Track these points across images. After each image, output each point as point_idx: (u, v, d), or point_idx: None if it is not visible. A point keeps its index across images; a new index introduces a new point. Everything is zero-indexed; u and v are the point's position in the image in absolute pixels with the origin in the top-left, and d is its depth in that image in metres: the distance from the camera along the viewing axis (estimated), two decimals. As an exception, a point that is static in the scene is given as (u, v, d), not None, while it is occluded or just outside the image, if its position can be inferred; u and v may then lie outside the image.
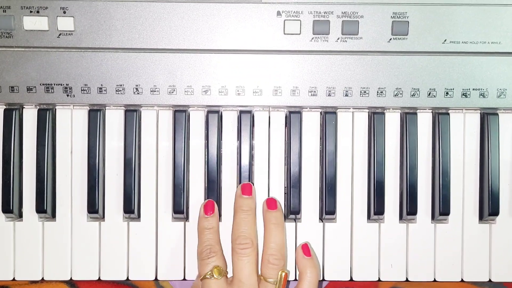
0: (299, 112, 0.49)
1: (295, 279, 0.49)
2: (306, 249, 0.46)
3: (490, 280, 0.50)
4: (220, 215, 0.49)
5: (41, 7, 0.46)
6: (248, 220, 0.46)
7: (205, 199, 0.49)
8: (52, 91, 0.47)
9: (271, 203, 0.47)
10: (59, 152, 0.49)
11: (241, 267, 0.44)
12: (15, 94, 0.47)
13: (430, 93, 0.48)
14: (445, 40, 0.47)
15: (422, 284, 0.52)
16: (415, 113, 0.49)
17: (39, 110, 0.48)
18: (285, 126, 0.49)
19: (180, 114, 0.48)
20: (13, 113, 0.48)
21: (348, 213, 0.49)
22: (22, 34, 0.46)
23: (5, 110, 0.48)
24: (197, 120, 0.49)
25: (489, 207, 0.49)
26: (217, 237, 0.46)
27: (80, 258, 0.49)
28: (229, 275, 0.46)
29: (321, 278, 0.49)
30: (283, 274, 0.44)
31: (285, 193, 0.49)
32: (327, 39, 0.47)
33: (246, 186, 0.47)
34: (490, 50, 0.48)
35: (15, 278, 0.49)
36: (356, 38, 0.47)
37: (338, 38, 0.47)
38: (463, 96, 0.48)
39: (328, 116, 0.49)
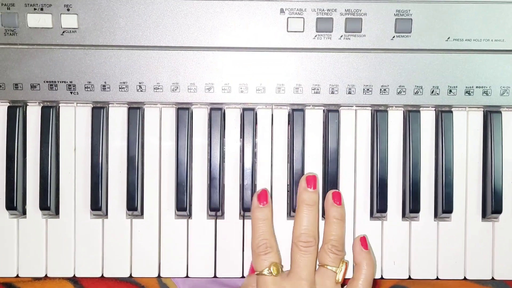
0: (302, 110, 0.49)
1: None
2: (364, 242, 0.46)
3: (493, 278, 0.50)
4: (222, 213, 0.49)
5: (45, 4, 0.46)
6: (312, 215, 0.45)
7: (207, 197, 0.49)
8: (56, 88, 0.47)
9: (336, 197, 0.46)
10: (63, 149, 0.49)
11: (304, 265, 0.44)
12: (19, 91, 0.47)
13: (433, 91, 0.48)
14: (448, 38, 0.47)
15: (424, 282, 0.52)
16: (418, 111, 0.49)
17: (42, 108, 0.48)
18: (288, 123, 0.49)
19: (183, 112, 0.48)
20: (17, 110, 0.48)
21: (351, 210, 0.49)
22: (26, 31, 0.47)
23: (9, 107, 0.48)
24: (200, 118, 0.49)
25: (492, 205, 0.49)
26: (272, 229, 0.46)
27: (84, 255, 0.49)
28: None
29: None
30: (345, 263, 0.44)
31: (287, 191, 0.49)
32: (330, 37, 0.47)
33: (311, 178, 0.46)
34: (494, 47, 0.47)
35: (19, 275, 0.49)
36: (359, 36, 0.47)
37: (341, 36, 0.47)
38: (466, 94, 0.48)
39: (331, 114, 0.49)
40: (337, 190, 0.48)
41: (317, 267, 0.46)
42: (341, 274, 0.44)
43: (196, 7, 0.47)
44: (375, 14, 0.47)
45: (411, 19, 0.47)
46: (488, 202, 0.49)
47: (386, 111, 0.49)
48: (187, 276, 0.49)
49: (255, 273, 0.45)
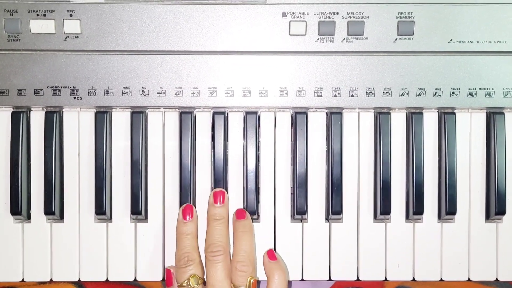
0: (305, 113, 0.49)
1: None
2: (271, 253, 0.47)
3: (497, 280, 0.50)
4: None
5: (48, 10, 0.46)
6: (219, 229, 0.47)
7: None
8: (59, 93, 0.48)
9: (239, 213, 0.48)
10: (67, 154, 0.49)
11: (214, 274, 0.45)
12: (23, 97, 0.48)
13: (436, 93, 0.48)
14: (451, 40, 0.47)
15: (428, 283, 0.52)
16: (421, 113, 0.49)
17: (46, 113, 0.48)
18: (291, 126, 0.49)
19: (186, 116, 0.48)
20: (20, 116, 0.48)
21: (354, 213, 0.49)
22: (29, 37, 0.47)
23: (12, 113, 0.48)
24: (203, 121, 0.49)
25: (495, 206, 0.49)
26: (195, 243, 0.47)
27: (88, 259, 0.49)
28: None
29: (328, 278, 0.49)
30: (252, 280, 0.44)
31: (291, 194, 0.50)
32: (332, 40, 0.47)
33: (217, 193, 0.48)
34: (496, 49, 0.47)
35: (24, 279, 0.49)
36: (362, 39, 0.47)
37: (344, 39, 0.47)
38: (469, 96, 0.48)
39: (334, 116, 0.49)
40: (240, 208, 0.48)
41: None
42: None
43: (199, 12, 0.47)
44: (377, 17, 0.47)
45: (414, 22, 0.47)
46: (492, 203, 0.49)
47: (389, 114, 0.49)
48: (191, 280, 0.49)
49: (177, 285, 0.46)
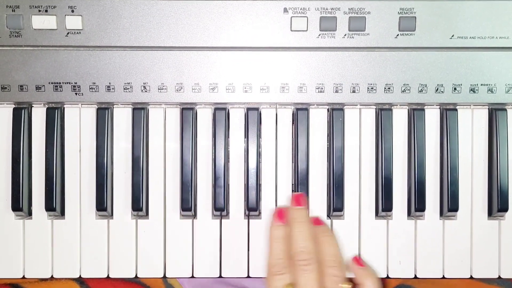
0: (306, 109, 0.49)
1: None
2: (358, 261, 0.47)
3: (499, 277, 0.50)
4: (227, 213, 0.49)
5: (49, 6, 0.46)
6: (305, 233, 0.45)
7: (212, 197, 0.49)
8: (61, 89, 0.48)
9: (316, 221, 0.47)
10: (68, 150, 0.49)
11: (306, 283, 0.43)
12: (24, 93, 0.48)
13: (437, 89, 0.48)
14: (452, 36, 0.47)
15: (430, 281, 0.52)
16: (423, 109, 0.49)
17: (47, 109, 0.48)
18: (292, 123, 0.49)
19: (188, 112, 0.48)
20: (22, 112, 0.48)
21: (356, 210, 0.49)
22: (30, 33, 0.47)
23: (14, 109, 0.48)
24: (204, 118, 0.49)
25: (498, 203, 0.48)
26: (287, 247, 0.45)
27: (89, 256, 0.49)
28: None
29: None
30: (346, 285, 0.43)
31: (292, 190, 0.49)
32: (334, 36, 0.47)
33: (298, 197, 0.47)
34: (498, 45, 0.47)
35: (25, 276, 0.49)
36: (363, 34, 0.47)
37: (345, 35, 0.47)
38: (471, 92, 0.48)
39: (336, 112, 0.49)
40: (316, 217, 0.48)
41: None
42: None
43: (200, 7, 0.47)
44: (379, 12, 0.47)
45: (415, 17, 0.47)
46: (494, 200, 0.49)
47: (391, 110, 0.49)
48: (192, 276, 0.49)
49: None
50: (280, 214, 0.47)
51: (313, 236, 0.45)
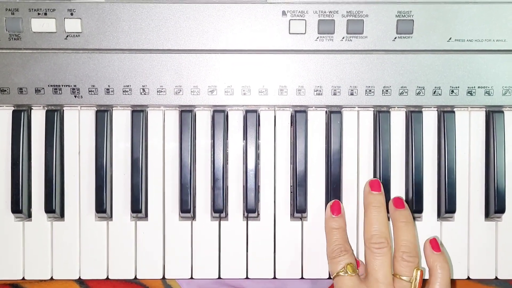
0: (305, 112, 0.49)
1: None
2: (435, 243, 0.46)
3: (496, 278, 0.50)
4: (226, 215, 0.49)
5: (48, 9, 0.46)
6: (380, 217, 0.46)
7: (211, 198, 0.49)
8: (60, 92, 0.48)
9: (398, 202, 0.47)
10: (67, 152, 0.49)
11: (378, 267, 0.44)
12: (24, 95, 0.48)
13: (435, 91, 0.48)
14: (450, 38, 0.47)
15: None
16: (421, 112, 0.49)
17: (47, 111, 0.49)
18: (291, 125, 0.50)
19: (187, 114, 0.49)
20: (21, 114, 0.48)
21: (354, 211, 0.50)
22: (30, 36, 0.47)
23: (13, 111, 0.49)
24: (203, 120, 0.49)
25: (495, 204, 0.49)
26: (345, 236, 0.47)
27: (89, 257, 0.49)
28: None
29: (328, 277, 0.49)
30: (419, 271, 0.44)
31: (291, 192, 0.50)
32: (332, 39, 0.47)
33: (374, 182, 0.47)
34: (495, 47, 0.48)
35: (25, 277, 0.49)
36: (361, 37, 0.47)
37: (343, 37, 0.47)
38: (469, 94, 0.48)
39: (334, 115, 0.49)
40: (398, 196, 0.48)
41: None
42: (416, 283, 0.43)
43: (199, 10, 0.47)
44: (377, 15, 0.47)
45: (413, 20, 0.47)
46: (491, 201, 0.49)
47: (389, 112, 0.49)
48: (191, 278, 0.49)
49: (332, 277, 0.45)
50: (334, 207, 0.48)
51: (386, 222, 0.46)
